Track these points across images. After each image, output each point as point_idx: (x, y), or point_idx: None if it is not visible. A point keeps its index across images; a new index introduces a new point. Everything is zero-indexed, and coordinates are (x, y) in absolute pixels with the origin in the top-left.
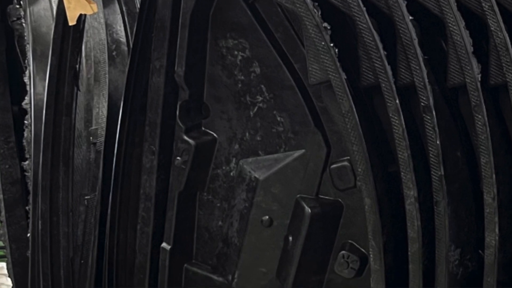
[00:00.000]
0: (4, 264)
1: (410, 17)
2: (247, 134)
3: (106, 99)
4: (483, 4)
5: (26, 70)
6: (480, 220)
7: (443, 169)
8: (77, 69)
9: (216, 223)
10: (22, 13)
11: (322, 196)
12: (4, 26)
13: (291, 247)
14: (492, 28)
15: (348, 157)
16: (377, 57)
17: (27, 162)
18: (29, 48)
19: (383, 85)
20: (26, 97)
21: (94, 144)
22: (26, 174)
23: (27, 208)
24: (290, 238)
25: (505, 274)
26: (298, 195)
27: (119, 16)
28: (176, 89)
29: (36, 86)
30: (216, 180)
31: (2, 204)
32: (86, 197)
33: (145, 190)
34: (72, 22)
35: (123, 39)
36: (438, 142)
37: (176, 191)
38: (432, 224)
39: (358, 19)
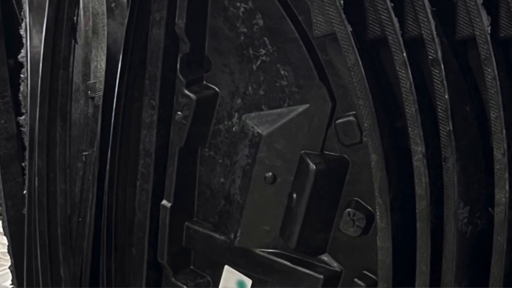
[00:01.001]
0: None
1: None
2: (249, 88)
3: (105, 52)
4: None
5: (22, 22)
6: (490, 176)
7: (452, 124)
8: (75, 21)
9: (218, 179)
10: None
11: (327, 152)
12: None
13: (295, 204)
14: None
15: (354, 112)
16: (383, 8)
17: (23, 117)
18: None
19: (390, 37)
20: (22, 50)
21: (92, 98)
22: (22, 129)
23: (23, 164)
24: (294, 195)
25: None
26: (302, 151)
27: None
28: (176, 42)
29: (33, 39)
30: (218, 136)
31: None
32: (84, 153)
33: (145, 145)
34: None
35: None
36: (446, 96)
37: (177, 147)
38: (441, 181)
39: None
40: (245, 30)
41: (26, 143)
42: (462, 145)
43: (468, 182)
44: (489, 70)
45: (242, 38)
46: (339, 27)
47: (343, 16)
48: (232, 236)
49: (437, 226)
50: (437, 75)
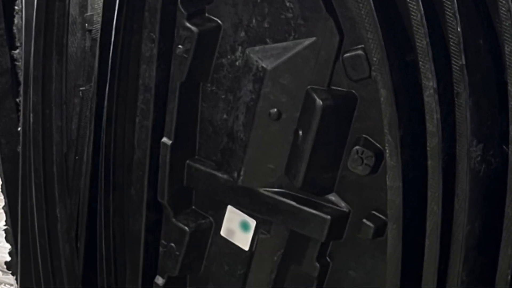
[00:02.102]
0: None
1: None
2: (253, 20)
3: None
4: None
5: None
6: (504, 112)
7: (464, 58)
8: None
9: (220, 116)
10: None
11: (334, 87)
12: None
13: (301, 141)
14: None
15: (363, 45)
16: None
17: (17, 51)
18: None
19: None
20: None
21: (90, 31)
22: (17, 63)
23: (17, 100)
24: (300, 132)
25: None
26: (308, 86)
27: None
28: None
29: None
30: (220, 70)
31: None
32: (81, 88)
33: (144, 80)
34: None
35: None
36: (459, 29)
37: (178, 82)
38: (453, 117)
39: None
40: None
41: (21, 78)
42: (475, 80)
43: (482, 118)
44: (503, 1)
45: None
46: None
47: None
48: (235, 175)
49: (449, 165)
50: (449, 7)
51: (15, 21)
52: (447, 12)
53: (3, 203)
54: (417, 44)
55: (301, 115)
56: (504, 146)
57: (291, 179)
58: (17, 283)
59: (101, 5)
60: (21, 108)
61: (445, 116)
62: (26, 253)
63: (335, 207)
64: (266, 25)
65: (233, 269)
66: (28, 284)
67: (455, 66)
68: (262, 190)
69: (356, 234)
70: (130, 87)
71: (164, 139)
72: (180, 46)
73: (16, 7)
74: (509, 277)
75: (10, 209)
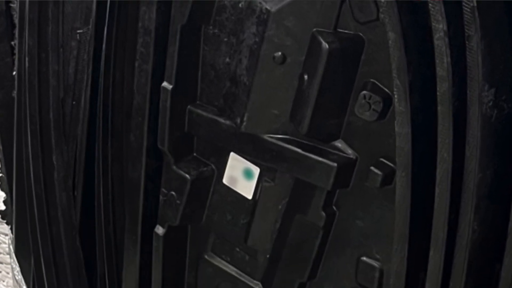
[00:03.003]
0: None
1: None
2: None
3: None
4: None
5: None
6: None
7: None
8: None
9: (223, 59)
10: None
11: (340, 30)
12: None
13: (307, 86)
14: None
15: None
16: None
17: None
18: None
19: None
20: None
21: None
22: (12, 5)
23: (12, 43)
24: (306, 76)
25: None
26: (314, 29)
27: None
28: None
29: None
30: (223, 12)
31: None
32: (78, 31)
33: (144, 23)
34: None
35: None
36: None
37: (178, 25)
38: (464, 61)
39: None
40: None
41: (16, 21)
42: (486, 22)
43: (494, 62)
44: None
45: None
46: None
47: None
48: (238, 120)
49: (459, 110)
50: None
51: None
52: None
53: None
54: None
55: (307, 59)
56: None
57: (296, 125)
58: (12, 232)
59: None
60: (16, 51)
61: (455, 60)
62: (21, 202)
63: (341, 154)
64: None
65: (236, 219)
66: (24, 233)
67: (466, 8)
68: (266, 137)
69: (363, 182)
70: (129, 29)
71: (165, 84)
72: None
73: None
74: None
75: (5, 157)
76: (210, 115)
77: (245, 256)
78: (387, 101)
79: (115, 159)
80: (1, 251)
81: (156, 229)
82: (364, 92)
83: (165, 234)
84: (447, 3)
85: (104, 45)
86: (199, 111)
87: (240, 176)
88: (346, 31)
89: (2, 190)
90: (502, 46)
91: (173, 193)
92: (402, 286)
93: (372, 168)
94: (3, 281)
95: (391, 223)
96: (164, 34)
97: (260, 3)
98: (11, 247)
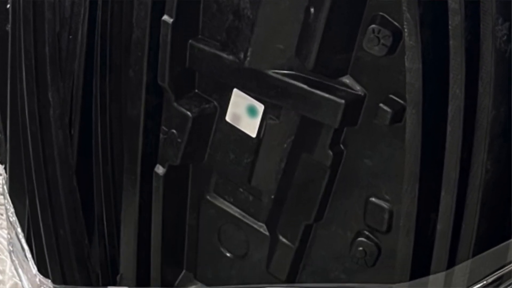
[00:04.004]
0: None
1: None
2: None
3: None
4: None
5: None
6: None
7: None
8: None
9: None
10: None
11: None
12: None
13: (313, 19)
14: None
15: None
16: None
17: None
18: None
19: None
20: None
21: None
22: None
23: None
24: (312, 9)
25: None
26: None
27: None
28: None
29: None
30: None
31: None
32: None
33: None
34: None
35: None
36: None
37: None
38: None
39: None
40: None
41: None
42: None
43: None
44: None
45: None
46: None
47: None
48: (241, 55)
49: (472, 45)
50: None
51: None
52: None
53: None
54: None
55: None
56: None
57: (302, 61)
58: (5, 172)
59: None
60: None
61: None
62: (16, 141)
63: (349, 90)
64: None
65: (239, 158)
66: (18, 173)
67: None
68: (270, 72)
69: (372, 119)
70: None
71: (165, 17)
72: None
73: None
74: None
75: None
76: (212, 50)
77: (248, 197)
78: (397, 35)
79: (113, 95)
80: None
81: (156, 169)
82: (373, 26)
83: (166, 174)
84: None
85: None
86: (201, 45)
87: (244, 113)
88: None
89: None
90: None
91: (174, 131)
92: (413, 227)
93: (381, 105)
94: None
95: (401, 162)
96: None
97: None
98: (5, 187)
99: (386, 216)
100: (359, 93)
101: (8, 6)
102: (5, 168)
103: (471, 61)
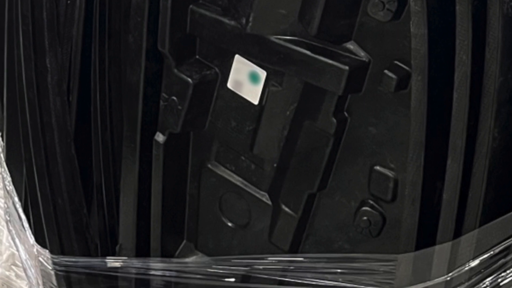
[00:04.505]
0: None
1: None
2: None
3: None
4: None
5: None
6: None
7: None
8: None
9: None
10: None
11: None
12: None
13: None
14: None
15: None
16: None
17: None
18: None
19: None
20: None
21: None
22: None
23: None
24: None
25: None
26: None
27: None
28: None
29: None
30: None
31: None
32: None
33: None
34: None
35: None
36: None
37: None
38: None
39: None
40: None
41: None
42: None
43: None
44: None
45: None
46: None
47: None
48: (243, 21)
49: (479, 10)
50: None
51: None
52: None
53: None
54: None
55: None
56: None
57: (305, 26)
58: (2, 140)
59: None
60: None
61: None
62: (13, 108)
63: (353, 56)
64: None
65: (241, 125)
66: (15, 141)
67: None
68: (273, 38)
69: (376, 86)
70: None
71: None
72: None
73: None
74: None
75: None
76: (213, 15)
77: (250, 165)
78: (402, 0)
79: (112, 61)
80: None
81: (156, 137)
82: None
83: (166, 142)
84: None
85: None
86: (202, 10)
87: (246, 80)
88: None
89: None
90: None
91: (174, 98)
92: (418, 196)
93: (386, 71)
94: None
95: (406, 129)
96: None
97: None
98: (1, 155)
99: (391, 184)
100: (364, 59)
101: None
102: (2, 136)
103: (477, 26)
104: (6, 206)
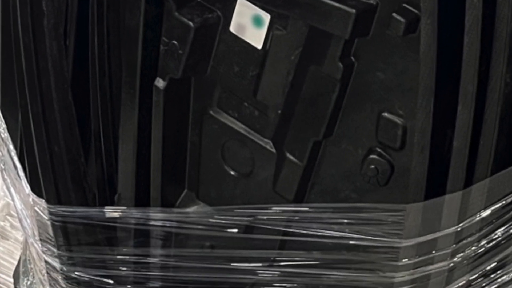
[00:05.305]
0: None
1: None
2: None
3: None
4: None
5: None
6: None
7: None
8: None
9: None
10: None
11: None
12: None
13: None
14: None
15: None
16: None
17: None
18: None
19: None
20: None
21: None
22: None
23: None
24: None
25: None
26: None
27: None
28: None
29: None
30: None
31: None
32: None
33: None
34: None
35: None
36: None
37: None
38: None
39: None
40: None
41: None
42: None
43: None
44: None
45: None
46: None
47: None
48: None
49: None
50: None
51: None
52: None
53: None
54: None
55: None
56: None
57: None
58: None
59: None
60: None
61: None
62: (8, 53)
63: None
64: None
65: (244, 70)
66: (10, 87)
67: None
68: None
69: (384, 30)
70: None
71: None
72: None
73: None
74: None
75: None
76: None
77: (254, 112)
78: None
79: (111, 4)
80: None
81: (156, 82)
82: None
83: (166, 88)
84: None
85: None
86: None
87: (249, 23)
88: None
89: None
90: None
91: (175, 42)
92: (428, 144)
93: (394, 14)
94: None
95: (415, 75)
96: None
97: None
98: None
99: (400, 132)
100: (371, 2)
101: None
102: None
103: None
104: (0, 154)
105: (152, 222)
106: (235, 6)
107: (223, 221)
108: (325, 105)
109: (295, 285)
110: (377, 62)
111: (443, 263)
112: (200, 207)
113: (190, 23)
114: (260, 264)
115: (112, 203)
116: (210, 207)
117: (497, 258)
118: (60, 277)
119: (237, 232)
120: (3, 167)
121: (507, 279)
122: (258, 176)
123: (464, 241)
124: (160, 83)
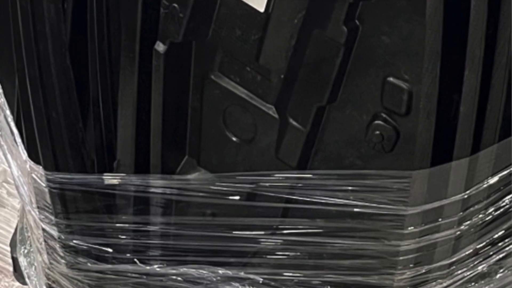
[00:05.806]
0: None
1: None
2: None
3: None
4: None
5: None
6: None
7: None
8: None
9: None
10: None
11: None
12: None
13: None
14: None
15: None
16: None
17: None
18: None
19: None
20: None
21: None
22: None
23: None
24: None
25: None
26: None
27: None
28: None
29: None
30: None
31: None
32: None
33: None
34: None
35: None
36: None
37: None
38: None
39: None
40: None
41: None
42: None
43: None
44: None
45: None
46: None
47: None
48: None
49: None
50: None
51: None
52: None
53: None
54: None
55: None
56: None
57: None
58: None
59: None
60: None
61: None
62: (4, 15)
63: None
64: None
65: (246, 34)
66: (6, 50)
67: None
68: None
69: None
70: None
71: None
72: None
73: None
74: None
75: None
76: None
77: (256, 77)
78: None
79: None
80: None
81: (156, 46)
82: None
83: (167, 52)
84: None
85: None
86: None
87: None
88: None
89: None
90: None
91: (176, 5)
92: (434, 109)
93: None
94: None
95: (421, 39)
96: None
97: None
98: None
99: (405, 97)
100: None
101: None
102: None
103: None
104: None
105: (152, 189)
106: None
107: (225, 188)
108: (329, 69)
109: (298, 253)
110: (382, 25)
111: (449, 231)
112: (201, 174)
113: None
114: (262, 232)
115: (111, 170)
116: (211, 174)
117: (505, 226)
118: (58, 245)
119: (239, 200)
120: None
121: None
122: (261, 142)
123: (471, 209)
124: (160, 47)
